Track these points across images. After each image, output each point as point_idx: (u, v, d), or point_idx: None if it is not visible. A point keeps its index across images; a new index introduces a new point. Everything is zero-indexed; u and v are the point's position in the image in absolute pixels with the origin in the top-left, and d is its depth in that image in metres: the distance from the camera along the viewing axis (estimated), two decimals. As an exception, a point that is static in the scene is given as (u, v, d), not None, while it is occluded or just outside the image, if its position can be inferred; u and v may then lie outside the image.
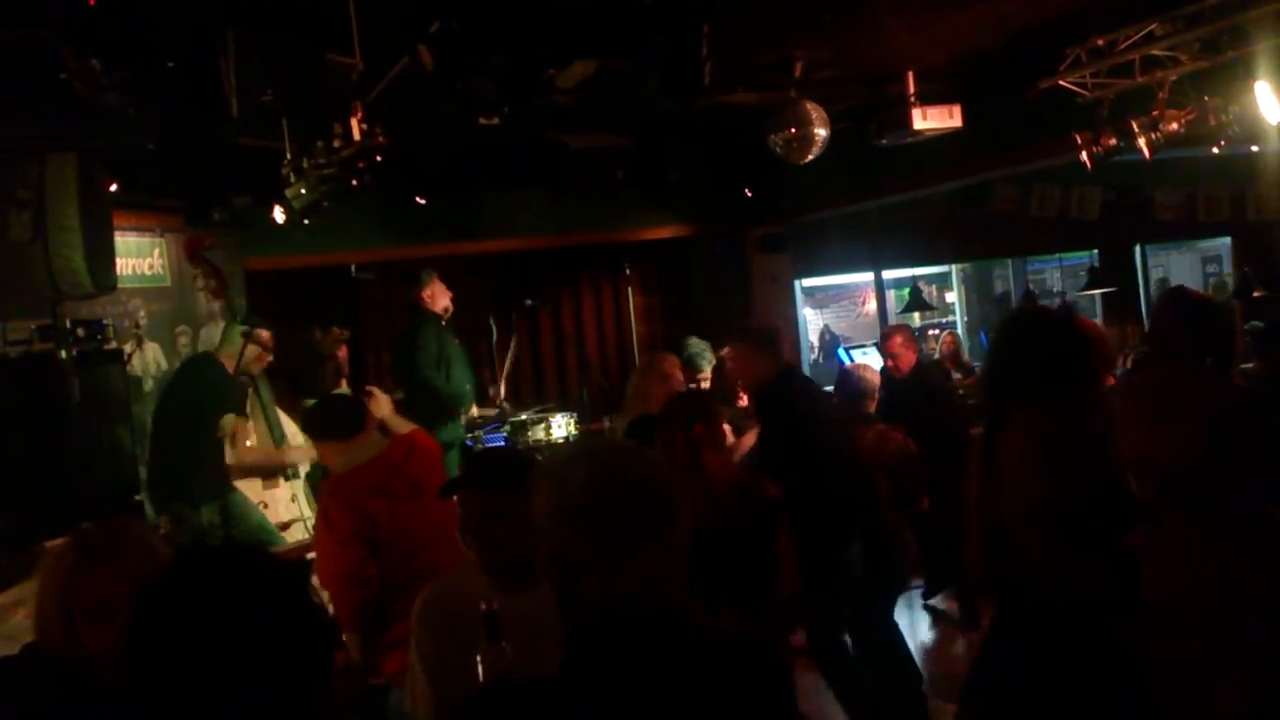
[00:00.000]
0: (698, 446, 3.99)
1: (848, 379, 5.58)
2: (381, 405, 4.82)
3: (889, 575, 5.34)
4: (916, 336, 8.09)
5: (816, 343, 12.99)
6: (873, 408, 5.45)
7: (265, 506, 6.04)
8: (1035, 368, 3.09)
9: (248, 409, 6.16)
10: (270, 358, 6.18)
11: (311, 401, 5.74)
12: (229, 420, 5.68)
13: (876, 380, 5.55)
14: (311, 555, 5.41)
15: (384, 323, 9.28)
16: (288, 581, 1.71)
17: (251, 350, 5.88)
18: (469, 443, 7.61)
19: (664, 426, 4.14)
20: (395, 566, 3.76)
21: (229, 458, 5.81)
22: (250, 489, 6.01)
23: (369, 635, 3.81)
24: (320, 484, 4.02)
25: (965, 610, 7.10)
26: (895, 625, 5.44)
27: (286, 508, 6.13)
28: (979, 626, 6.93)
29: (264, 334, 5.95)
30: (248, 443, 6.05)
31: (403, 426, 4.67)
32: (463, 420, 7.42)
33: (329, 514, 3.89)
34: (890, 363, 6.65)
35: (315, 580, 4.06)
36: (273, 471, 6.14)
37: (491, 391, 8.20)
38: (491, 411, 7.91)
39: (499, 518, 2.63)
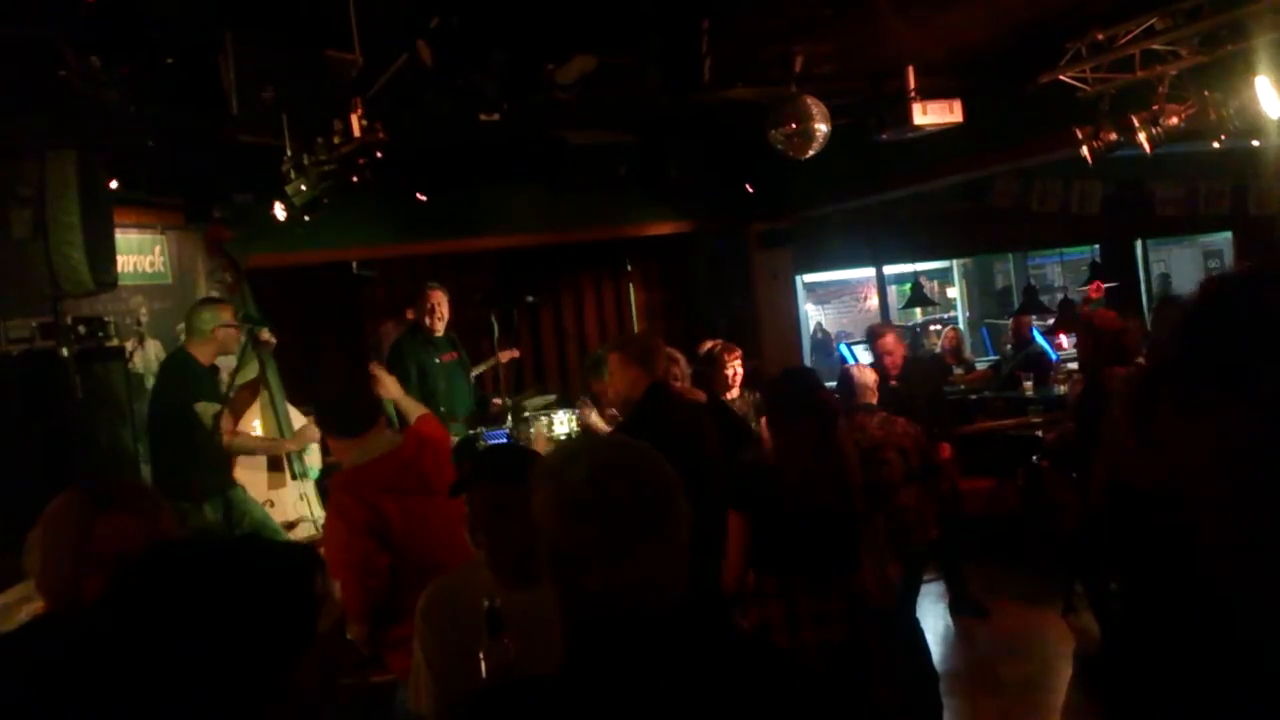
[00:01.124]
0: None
1: (846, 378, 5.75)
2: (389, 387, 4.82)
3: (908, 562, 5.43)
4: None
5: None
6: (874, 400, 5.58)
7: (271, 505, 6.04)
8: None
9: (257, 401, 6.18)
10: (272, 340, 6.19)
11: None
12: (206, 409, 5.65)
13: (874, 376, 5.72)
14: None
15: (384, 320, 9.31)
16: (270, 570, 1.66)
17: (225, 333, 5.89)
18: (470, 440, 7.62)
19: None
20: (406, 562, 3.77)
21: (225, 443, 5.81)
22: (256, 487, 6.01)
23: (377, 627, 3.82)
24: (331, 477, 4.03)
25: (959, 597, 7.16)
26: (917, 622, 5.50)
27: (294, 506, 6.14)
28: (983, 614, 7.02)
29: (226, 314, 5.95)
30: (251, 431, 6.06)
31: (414, 409, 4.66)
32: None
33: (342, 505, 3.89)
34: (887, 360, 6.71)
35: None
36: (277, 464, 6.15)
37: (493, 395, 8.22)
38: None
39: (509, 512, 2.63)
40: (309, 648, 1.54)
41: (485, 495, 2.72)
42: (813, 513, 3.93)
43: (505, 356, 8.29)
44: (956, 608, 7.18)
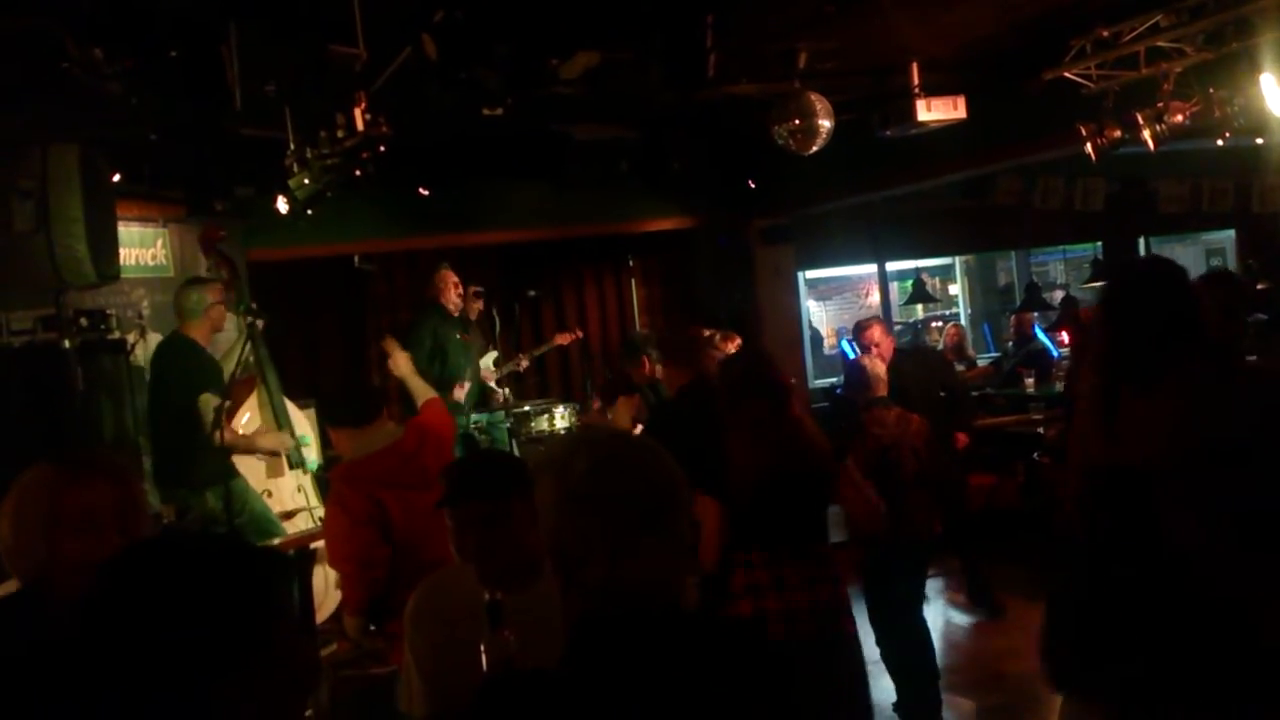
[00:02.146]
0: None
1: (855, 370, 5.69)
2: (400, 364, 4.81)
3: (913, 559, 5.42)
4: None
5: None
6: (884, 392, 5.49)
7: (269, 495, 6.04)
8: (1191, 321, 3.02)
9: (254, 397, 6.18)
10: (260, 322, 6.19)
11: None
12: (207, 400, 5.66)
13: (882, 369, 5.64)
14: (317, 544, 5.44)
15: (386, 315, 9.31)
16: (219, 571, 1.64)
17: (217, 310, 5.92)
18: (473, 434, 7.64)
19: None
20: (405, 555, 3.77)
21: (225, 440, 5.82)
22: (254, 477, 6.01)
23: (378, 620, 3.82)
24: (332, 469, 4.03)
25: (978, 593, 7.13)
26: (923, 619, 5.47)
27: (292, 497, 6.14)
28: (998, 610, 6.99)
29: (214, 292, 5.96)
30: (240, 429, 6.06)
31: (423, 390, 4.65)
32: (465, 407, 7.48)
33: (343, 496, 3.90)
34: (875, 351, 6.67)
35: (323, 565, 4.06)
36: (273, 454, 6.15)
37: (498, 372, 8.27)
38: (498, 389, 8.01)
39: (494, 524, 2.63)
40: (264, 655, 1.53)
41: (469, 511, 2.71)
42: (778, 485, 3.99)
43: (566, 338, 8.49)
44: (976, 598, 7.20)
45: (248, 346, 6.19)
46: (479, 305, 8.18)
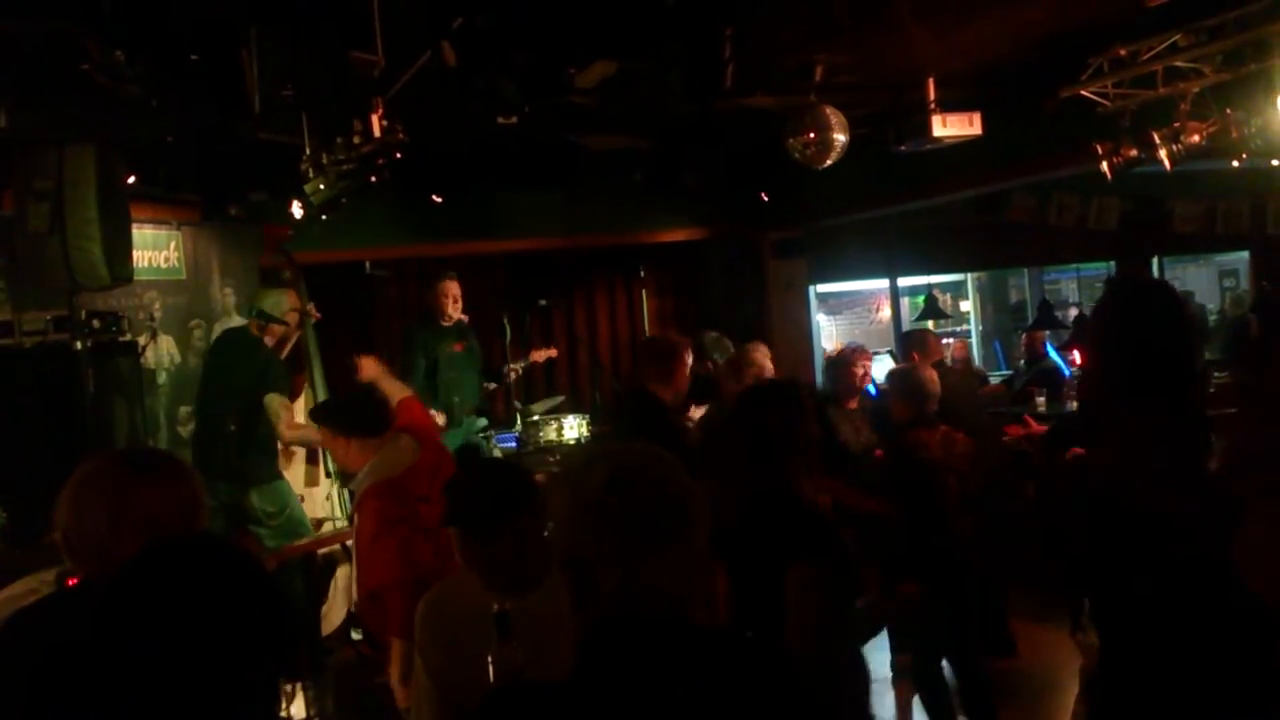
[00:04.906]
0: None
1: (906, 379, 5.21)
2: (366, 369, 4.72)
3: (963, 600, 4.98)
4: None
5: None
6: (934, 408, 5.09)
7: (302, 500, 6.07)
8: None
9: (301, 394, 6.19)
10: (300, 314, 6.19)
11: None
12: (274, 401, 5.66)
13: (936, 378, 5.20)
14: (327, 550, 5.42)
15: (397, 321, 9.32)
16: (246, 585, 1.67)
17: (292, 318, 5.98)
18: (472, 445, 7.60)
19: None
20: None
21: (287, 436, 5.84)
22: (292, 481, 6.03)
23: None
24: (368, 489, 3.87)
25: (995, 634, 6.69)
26: (941, 675, 5.10)
27: (322, 505, 6.17)
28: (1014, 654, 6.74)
29: (292, 299, 6.00)
30: (299, 420, 6.07)
31: (396, 390, 4.48)
32: (463, 426, 7.32)
33: (389, 509, 3.80)
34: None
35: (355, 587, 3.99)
36: (314, 461, 6.15)
37: (509, 372, 8.20)
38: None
39: (496, 541, 2.62)
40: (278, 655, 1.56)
41: (471, 529, 2.70)
42: None
43: (541, 356, 8.38)
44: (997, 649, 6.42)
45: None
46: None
